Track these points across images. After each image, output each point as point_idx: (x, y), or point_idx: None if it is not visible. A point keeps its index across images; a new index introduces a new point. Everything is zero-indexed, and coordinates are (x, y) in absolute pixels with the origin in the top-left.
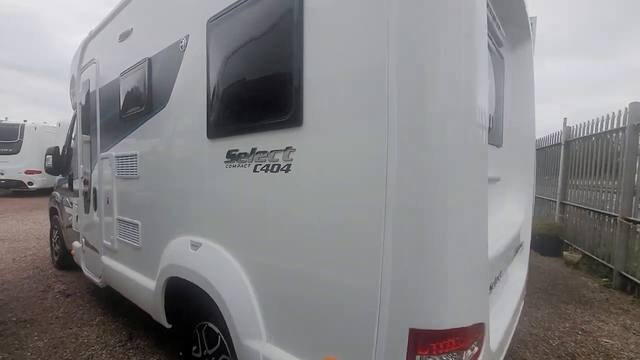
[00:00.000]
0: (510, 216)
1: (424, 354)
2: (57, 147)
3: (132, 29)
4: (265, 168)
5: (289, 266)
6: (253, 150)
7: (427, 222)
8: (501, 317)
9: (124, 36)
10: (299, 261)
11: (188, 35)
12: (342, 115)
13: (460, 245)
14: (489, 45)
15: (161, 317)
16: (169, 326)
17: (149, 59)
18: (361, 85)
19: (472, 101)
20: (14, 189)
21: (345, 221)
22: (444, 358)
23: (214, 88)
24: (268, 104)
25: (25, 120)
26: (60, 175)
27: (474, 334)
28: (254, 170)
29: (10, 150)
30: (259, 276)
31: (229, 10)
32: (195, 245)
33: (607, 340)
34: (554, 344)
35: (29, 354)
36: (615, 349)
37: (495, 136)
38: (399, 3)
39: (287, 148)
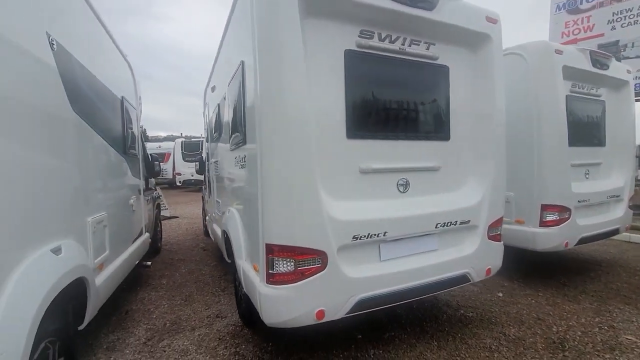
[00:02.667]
0: (456, 199)
1: (271, 256)
2: (202, 157)
3: (215, 85)
4: (242, 166)
5: (247, 216)
6: (240, 155)
7: (270, 192)
8: (390, 265)
9: (213, 89)
10: (248, 213)
11: (225, 93)
12: (254, 134)
13: (292, 205)
14: (415, 63)
15: (225, 256)
16: (229, 261)
17: (218, 105)
18: (254, 120)
19: (294, 121)
20: (200, 187)
21: (255, 191)
22: (283, 260)
23: (230, 123)
24: (240, 133)
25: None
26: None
27: (311, 254)
28: (240, 168)
29: (195, 159)
30: (244, 224)
31: (229, 82)
32: (229, 211)
33: (629, 337)
34: (554, 330)
35: (177, 274)
36: (631, 346)
37: (438, 132)
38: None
39: (245, 155)
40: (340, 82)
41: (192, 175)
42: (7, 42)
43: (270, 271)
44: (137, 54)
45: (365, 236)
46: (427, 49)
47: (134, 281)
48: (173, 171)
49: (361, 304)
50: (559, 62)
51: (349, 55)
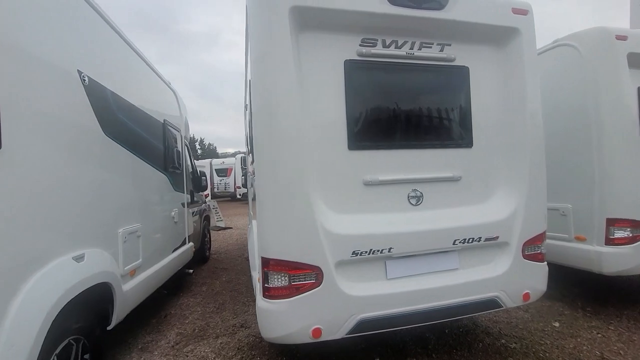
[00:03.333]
0: (482, 212)
1: (266, 269)
2: (247, 171)
3: (246, 104)
4: (254, 180)
5: (256, 228)
6: (252, 170)
7: (263, 205)
8: (399, 284)
9: (246, 108)
10: (256, 226)
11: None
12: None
13: (284, 218)
14: (427, 67)
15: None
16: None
17: (246, 122)
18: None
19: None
20: None
21: (256, 204)
22: (277, 274)
23: (248, 139)
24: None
25: None
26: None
27: (305, 269)
28: (253, 182)
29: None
30: (256, 236)
31: (250, 100)
32: (251, 223)
33: None
34: None
35: (217, 282)
36: None
37: (458, 139)
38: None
39: (254, 170)
40: (340, 93)
41: None
42: (44, 83)
43: (266, 285)
44: (209, 80)
45: (366, 252)
46: (441, 50)
47: (178, 287)
48: (234, 185)
49: (363, 324)
50: (623, 50)
51: (350, 65)
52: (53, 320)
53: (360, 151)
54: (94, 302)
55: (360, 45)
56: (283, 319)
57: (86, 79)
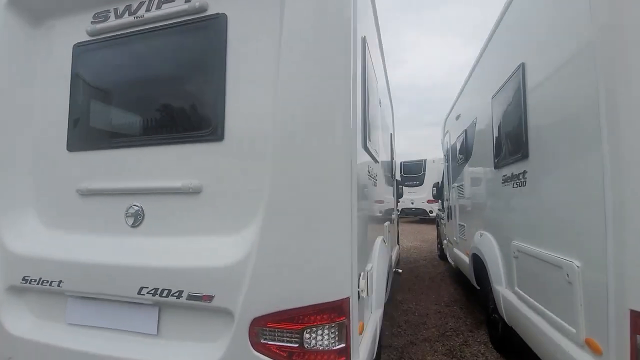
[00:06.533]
0: (208, 249)
1: None
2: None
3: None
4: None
5: None
6: None
7: None
8: (79, 336)
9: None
10: None
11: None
12: None
13: None
14: (168, 29)
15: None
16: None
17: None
18: None
19: None
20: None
21: None
22: None
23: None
24: None
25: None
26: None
27: None
28: None
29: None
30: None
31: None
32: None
33: None
34: None
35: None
36: None
37: (199, 128)
38: None
39: None
40: (65, 85)
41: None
42: None
43: None
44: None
45: (36, 281)
46: (188, 0)
47: None
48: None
49: None
50: None
51: (78, 49)
52: None
53: (82, 152)
54: None
55: (92, 22)
56: None
57: None
